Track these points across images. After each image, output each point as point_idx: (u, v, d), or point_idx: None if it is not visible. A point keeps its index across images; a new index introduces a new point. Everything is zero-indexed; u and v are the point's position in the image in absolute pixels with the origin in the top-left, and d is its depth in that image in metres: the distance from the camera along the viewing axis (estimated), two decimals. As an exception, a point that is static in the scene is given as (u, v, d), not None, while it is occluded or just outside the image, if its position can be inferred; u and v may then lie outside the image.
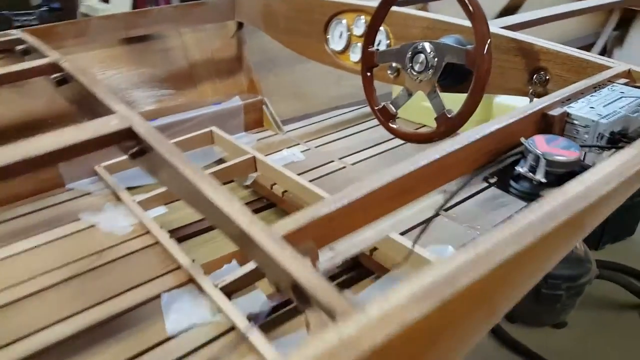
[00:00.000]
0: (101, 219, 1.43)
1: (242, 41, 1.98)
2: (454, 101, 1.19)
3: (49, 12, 3.52)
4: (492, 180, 0.81)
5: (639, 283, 1.76)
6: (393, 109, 1.29)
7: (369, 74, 1.33)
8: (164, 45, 1.87)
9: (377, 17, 1.27)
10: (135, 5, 2.63)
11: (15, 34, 1.32)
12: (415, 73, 1.21)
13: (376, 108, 1.31)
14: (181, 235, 1.43)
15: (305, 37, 1.65)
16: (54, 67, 0.97)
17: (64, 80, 0.96)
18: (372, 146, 1.85)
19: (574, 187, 0.58)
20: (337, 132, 1.98)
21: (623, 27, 2.42)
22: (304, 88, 2.14)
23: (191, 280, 1.18)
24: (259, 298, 1.13)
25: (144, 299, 1.14)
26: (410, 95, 1.26)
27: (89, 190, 1.58)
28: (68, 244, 1.35)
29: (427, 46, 1.18)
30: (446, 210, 1.41)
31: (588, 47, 2.31)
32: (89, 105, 0.91)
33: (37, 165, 0.66)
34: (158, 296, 1.14)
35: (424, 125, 1.98)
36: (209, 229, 1.48)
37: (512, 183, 0.79)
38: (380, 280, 1.16)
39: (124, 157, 1.65)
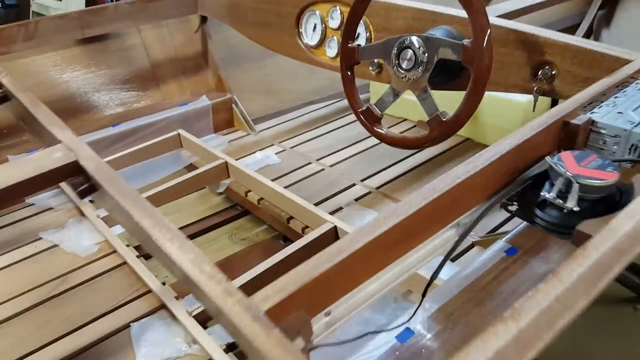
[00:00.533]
0: (64, 238, 1.32)
1: (207, 36, 1.86)
2: (444, 99, 1.10)
3: (4, 8, 3.30)
4: (513, 208, 0.69)
5: (634, 276, 1.75)
6: (378, 111, 1.17)
7: (349, 72, 1.22)
8: (123, 44, 1.74)
9: (357, 10, 1.15)
10: (90, 3, 2.46)
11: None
12: (402, 71, 1.10)
13: (359, 110, 1.21)
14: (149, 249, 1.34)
15: (276, 31, 1.54)
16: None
17: (5, 97, 0.86)
18: (351, 144, 1.76)
19: (623, 223, 0.48)
20: (312, 129, 1.89)
21: (609, 5, 2.24)
22: (276, 84, 2.04)
23: (163, 306, 1.10)
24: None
25: (113, 329, 1.05)
26: (397, 95, 1.16)
27: (50, 205, 1.47)
28: (30, 267, 1.24)
29: (415, 40, 1.07)
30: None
31: (572, 29, 2.20)
32: (33, 127, 0.81)
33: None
34: (128, 326, 1.05)
35: (405, 120, 1.91)
36: (191, 236, 1.39)
37: (538, 212, 0.66)
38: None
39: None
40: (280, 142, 1.79)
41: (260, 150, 1.72)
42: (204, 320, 1.04)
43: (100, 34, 1.63)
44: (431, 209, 0.57)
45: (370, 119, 1.20)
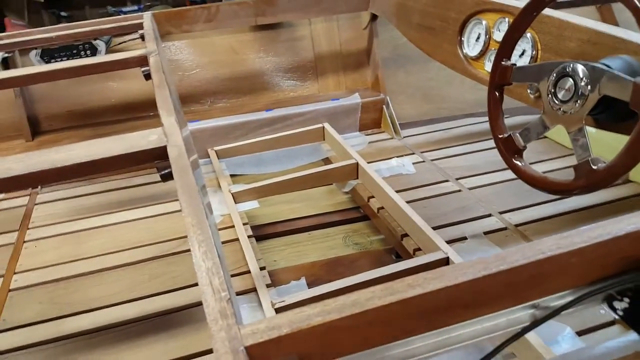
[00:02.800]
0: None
1: (374, 34, 1.84)
2: (603, 143, 0.92)
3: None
4: (620, 306, 0.53)
5: None
6: (521, 141, 1.01)
7: (497, 93, 1.08)
8: (293, 34, 1.83)
9: (519, 24, 1.00)
10: None
11: (144, 17, 1.38)
12: (557, 102, 0.94)
13: (500, 137, 1.07)
14: (267, 232, 1.40)
15: (437, 36, 1.45)
16: (145, 61, 0.97)
17: (149, 75, 0.96)
18: (500, 170, 1.57)
19: None
20: (462, 144, 1.74)
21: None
22: (436, 89, 1.93)
23: (254, 290, 1.14)
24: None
25: (206, 298, 1.12)
26: (546, 127, 0.99)
27: (198, 172, 1.63)
28: (159, 223, 1.41)
29: (580, 69, 0.89)
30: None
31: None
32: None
33: (64, 175, 0.64)
34: (219, 298, 1.12)
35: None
36: (297, 230, 1.43)
37: None
38: None
39: (237, 143, 1.69)
40: (422, 152, 1.69)
41: (398, 157, 1.65)
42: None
43: (273, 23, 1.74)
44: (494, 282, 0.46)
45: (509, 149, 1.04)
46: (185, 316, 1.10)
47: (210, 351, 0.98)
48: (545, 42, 1.11)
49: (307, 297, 1.05)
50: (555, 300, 0.52)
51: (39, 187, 1.55)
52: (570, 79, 0.91)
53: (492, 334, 0.50)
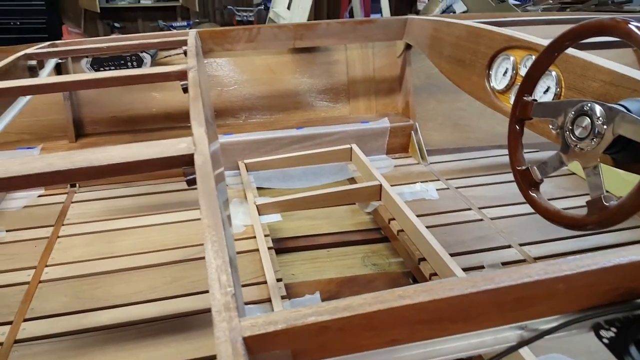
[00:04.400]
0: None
1: (407, 63, 1.89)
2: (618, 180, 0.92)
3: (266, 10, 3.90)
4: (607, 334, 0.55)
5: None
6: (539, 174, 1.04)
7: (517, 126, 1.11)
8: (329, 58, 1.89)
9: (542, 62, 1.05)
10: (312, 17, 2.73)
11: (189, 34, 1.47)
12: (574, 138, 0.97)
13: (518, 168, 1.09)
14: (288, 246, 1.44)
15: (466, 69, 1.49)
16: (184, 75, 1.04)
17: (186, 89, 1.03)
18: (524, 202, 1.58)
19: None
20: (487, 175, 1.75)
21: None
22: (466, 119, 1.95)
23: (269, 300, 1.17)
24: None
25: (224, 303, 1.17)
26: (563, 163, 1.01)
27: (226, 182, 1.70)
28: (185, 228, 1.47)
29: (597, 109, 0.92)
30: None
31: None
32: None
33: (100, 174, 0.70)
34: (236, 305, 1.16)
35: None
36: (318, 246, 1.46)
37: (633, 351, 0.52)
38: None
39: (267, 157, 1.75)
40: (447, 179, 1.71)
41: (422, 182, 1.68)
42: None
43: (308, 46, 1.81)
44: (481, 300, 0.49)
45: (526, 181, 1.06)
46: (201, 319, 1.14)
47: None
48: (569, 81, 1.14)
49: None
50: (544, 324, 0.54)
51: (77, 185, 1.65)
52: (588, 118, 0.93)
53: (478, 350, 0.52)
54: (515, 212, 1.53)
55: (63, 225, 1.50)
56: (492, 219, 1.50)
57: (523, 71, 1.29)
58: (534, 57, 1.25)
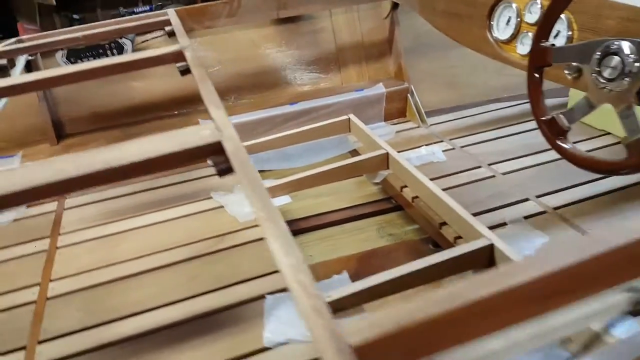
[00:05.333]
0: (229, 201, 1.45)
1: (395, 23, 1.81)
2: None
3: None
4: None
5: None
6: (566, 122, 1.00)
7: (537, 75, 1.06)
8: (314, 26, 1.81)
9: (558, 4, 0.98)
10: None
11: (167, 14, 1.36)
12: (603, 80, 0.92)
13: (542, 119, 1.05)
14: (301, 227, 1.39)
15: (465, 22, 1.42)
16: (180, 56, 0.95)
17: (188, 70, 0.94)
18: (533, 153, 1.55)
19: None
20: (490, 130, 1.71)
21: None
22: (460, 76, 1.90)
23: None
24: (361, 321, 1.02)
25: (249, 297, 1.12)
26: (592, 107, 0.98)
27: (224, 169, 1.62)
28: (195, 222, 1.40)
29: (626, 46, 0.88)
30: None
31: None
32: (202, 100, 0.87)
33: (116, 176, 0.62)
34: (263, 297, 1.11)
35: (608, 134, 1.62)
36: (330, 224, 1.41)
37: None
38: None
39: (263, 138, 1.68)
40: (450, 140, 1.67)
41: (427, 145, 1.63)
42: (332, 311, 1.03)
43: (294, 16, 1.72)
44: (592, 266, 0.44)
45: (553, 130, 1.03)
46: (230, 316, 1.08)
47: (261, 350, 0.98)
48: (582, 22, 1.09)
49: (354, 290, 1.03)
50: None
51: None
52: (616, 57, 0.89)
53: (589, 320, 0.48)
54: (524, 164, 1.51)
55: (60, 235, 1.41)
56: (503, 174, 1.47)
57: (528, 18, 1.24)
58: (539, 1, 1.20)
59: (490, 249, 1.09)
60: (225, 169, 0.66)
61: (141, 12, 3.44)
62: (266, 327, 1.03)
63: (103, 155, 0.64)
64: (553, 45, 1.01)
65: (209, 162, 0.68)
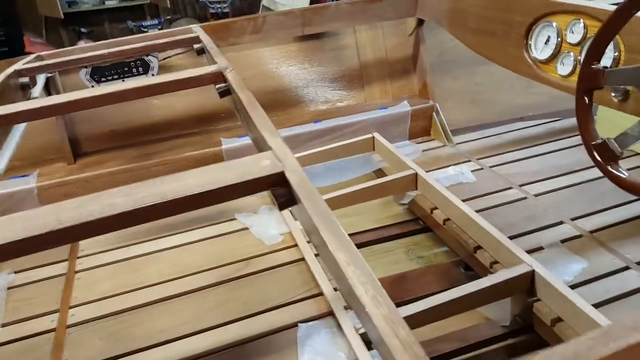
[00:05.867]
0: (254, 223, 1.40)
1: (421, 40, 1.78)
2: None
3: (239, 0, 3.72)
4: None
5: None
6: (618, 147, 0.96)
7: (587, 98, 1.01)
8: (338, 43, 1.78)
9: (612, 27, 0.94)
10: (313, 2, 2.59)
11: (194, 31, 1.33)
12: None
13: (593, 143, 1.01)
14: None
15: (500, 41, 1.39)
16: (219, 77, 0.91)
17: (227, 91, 0.90)
18: (565, 174, 1.51)
19: None
20: (519, 149, 1.67)
21: None
22: (485, 94, 1.87)
23: (332, 314, 1.07)
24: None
25: (282, 324, 1.06)
26: None
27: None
28: (219, 245, 1.35)
29: None
30: None
31: None
32: (247, 124, 0.83)
33: (174, 209, 0.58)
34: (295, 325, 1.05)
35: (638, 154, 1.58)
36: (357, 246, 1.36)
37: None
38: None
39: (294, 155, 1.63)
40: (478, 159, 1.63)
41: (454, 165, 1.59)
42: (368, 341, 0.98)
43: (318, 32, 1.69)
44: None
45: (605, 156, 0.98)
46: (261, 346, 1.03)
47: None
48: (630, 43, 1.06)
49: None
50: None
51: None
52: (674, 82, 0.85)
53: None
54: (556, 185, 1.47)
55: (78, 258, 1.36)
56: (535, 195, 1.43)
57: (570, 37, 1.20)
58: (582, 21, 1.17)
59: (531, 275, 1.05)
60: (286, 201, 0.62)
61: (150, 25, 3.44)
62: (300, 358, 0.98)
63: (159, 187, 0.59)
64: (605, 67, 0.97)
65: (270, 194, 0.64)
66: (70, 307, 1.19)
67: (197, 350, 1.03)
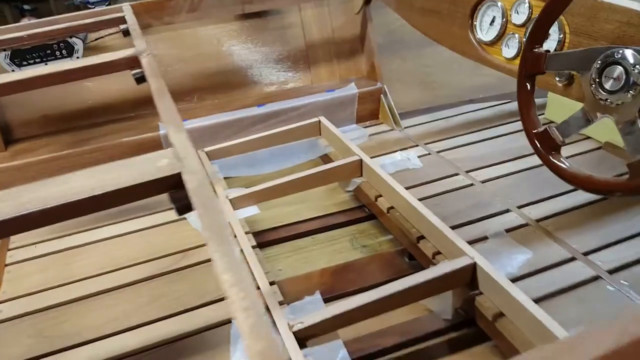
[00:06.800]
0: (192, 212, 1.34)
1: (368, 19, 1.73)
2: None
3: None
4: None
5: None
6: (560, 136, 0.94)
7: (529, 83, 0.99)
8: (282, 22, 1.71)
9: (555, 6, 0.90)
10: None
11: (123, 11, 1.24)
12: (603, 92, 0.85)
13: (534, 132, 0.98)
14: (269, 239, 1.31)
15: (445, 21, 1.35)
16: (136, 62, 0.85)
17: (143, 78, 0.84)
18: (514, 159, 1.49)
19: None
20: (467, 134, 1.66)
21: None
22: (434, 75, 1.84)
23: (267, 309, 1.04)
24: (336, 350, 0.95)
25: (215, 320, 1.03)
26: (590, 121, 0.91)
27: (187, 176, 1.52)
28: (156, 236, 1.29)
29: (631, 55, 0.81)
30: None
31: None
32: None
33: (59, 217, 0.53)
34: (229, 321, 1.02)
35: (587, 138, 1.57)
36: (301, 235, 1.33)
37: None
38: None
39: (228, 142, 1.58)
40: (426, 144, 1.61)
41: (401, 150, 1.57)
42: (303, 338, 0.96)
43: (261, 11, 1.62)
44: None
45: (546, 145, 0.96)
46: (195, 343, 1.00)
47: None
48: (576, 25, 1.03)
49: (327, 316, 0.95)
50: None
51: None
52: (620, 67, 0.82)
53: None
54: (504, 171, 1.46)
55: (9, 250, 1.28)
56: (482, 182, 1.42)
57: (515, 18, 1.17)
58: (527, 1, 1.14)
59: (472, 268, 1.04)
60: (184, 206, 0.57)
61: (97, 2, 3.24)
62: (232, 355, 0.95)
63: (46, 190, 0.54)
64: (547, 51, 0.94)
65: (168, 198, 0.59)
66: None
67: (126, 348, 0.99)
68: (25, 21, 1.90)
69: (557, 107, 1.61)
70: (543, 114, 1.69)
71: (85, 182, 0.55)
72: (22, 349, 1.00)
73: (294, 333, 0.95)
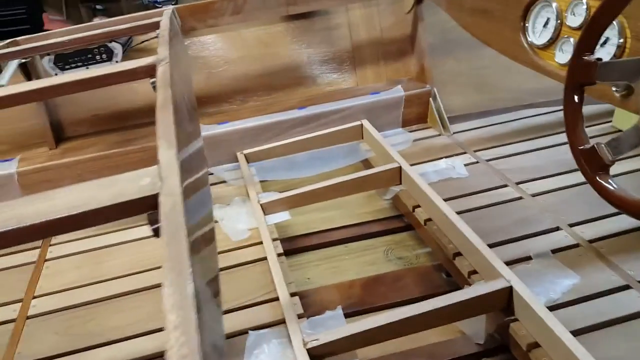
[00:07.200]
0: (225, 216, 1.34)
1: (419, 19, 1.64)
2: None
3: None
4: None
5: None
6: (608, 154, 0.82)
7: (576, 95, 0.86)
8: (328, 22, 1.66)
9: (612, 7, 0.79)
10: None
11: (163, 14, 1.25)
12: None
13: (580, 148, 0.87)
14: (301, 245, 1.27)
15: (496, 22, 1.25)
16: (154, 70, 0.84)
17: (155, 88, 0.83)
18: (570, 171, 1.34)
19: None
20: (522, 141, 1.53)
21: None
22: (491, 77, 1.71)
23: (284, 322, 1.01)
24: (349, 373, 0.90)
25: (233, 330, 1.01)
26: None
27: (225, 178, 1.52)
28: (185, 239, 1.30)
29: None
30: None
31: None
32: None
33: (33, 235, 0.51)
34: (246, 332, 1.00)
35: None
36: (333, 242, 1.28)
37: None
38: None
39: (268, 145, 1.56)
40: (475, 151, 1.50)
41: (447, 157, 1.47)
42: (318, 356, 0.91)
43: (307, 12, 1.58)
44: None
45: (593, 164, 0.85)
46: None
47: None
48: (638, 29, 0.90)
49: (345, 334, 0.90)
50: None
51: None
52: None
53: None
54: (557, 184, 1.33)
55: (51, 245, 1.34)
56: (533, 195, 1.30)
57: (570, 20, 1.05)
58: (585, 1, 1.01)
59: (508, 291, 0.94)
60: (159, 229, 0.54)
61: (165, 1, 3.36)
62: (247, 368, 0.93)
63: (18, 209, 0.53)
64: (599, 59, 0.82)
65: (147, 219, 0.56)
66: (34, 297, 1.17)
67: (145, 352, 0.99)
68: (96, 20, 2.00)
69: (627, 114, 1.44)
70: (610, 121, 1.52)
71: (68, 199, 0.54)
72: (47, 346, 1.03)
73: (308, 350, 0.91)
